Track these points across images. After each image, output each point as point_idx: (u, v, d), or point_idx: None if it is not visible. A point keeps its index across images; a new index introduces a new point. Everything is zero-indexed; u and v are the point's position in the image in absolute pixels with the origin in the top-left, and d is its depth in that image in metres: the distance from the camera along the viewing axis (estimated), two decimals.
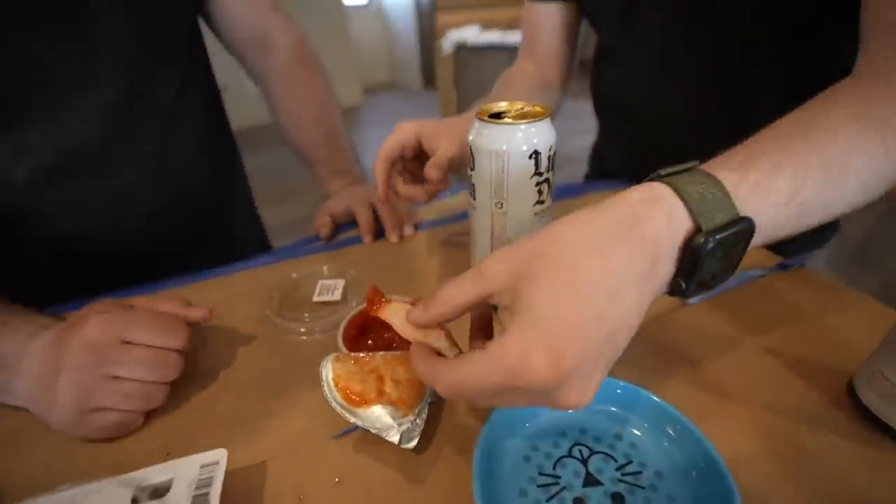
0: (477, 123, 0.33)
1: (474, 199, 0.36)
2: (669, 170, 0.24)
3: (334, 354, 0.29)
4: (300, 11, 4.05)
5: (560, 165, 0.35)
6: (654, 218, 0.21)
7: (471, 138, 0.34)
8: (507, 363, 0.19)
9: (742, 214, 0.22)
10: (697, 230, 0.22)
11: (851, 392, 0.30)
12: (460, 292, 0.23)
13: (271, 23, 0.60)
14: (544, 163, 0.32)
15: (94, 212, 0.48)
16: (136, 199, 0.50)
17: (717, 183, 0.22)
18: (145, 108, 0.49)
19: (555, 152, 0.33)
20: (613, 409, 0.29)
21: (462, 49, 2.80)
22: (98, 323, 0.30)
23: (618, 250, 0.21)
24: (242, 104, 1.73)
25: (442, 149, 0.43)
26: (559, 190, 0.59)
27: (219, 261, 0.52)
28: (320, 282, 0.47)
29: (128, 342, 0.31)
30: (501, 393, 0.21)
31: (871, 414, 0.28)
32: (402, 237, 0.54)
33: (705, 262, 0.22)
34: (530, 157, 0.31)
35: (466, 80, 2.87)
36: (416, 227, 0.56)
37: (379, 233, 0.55)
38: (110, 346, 0.30)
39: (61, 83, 0.43)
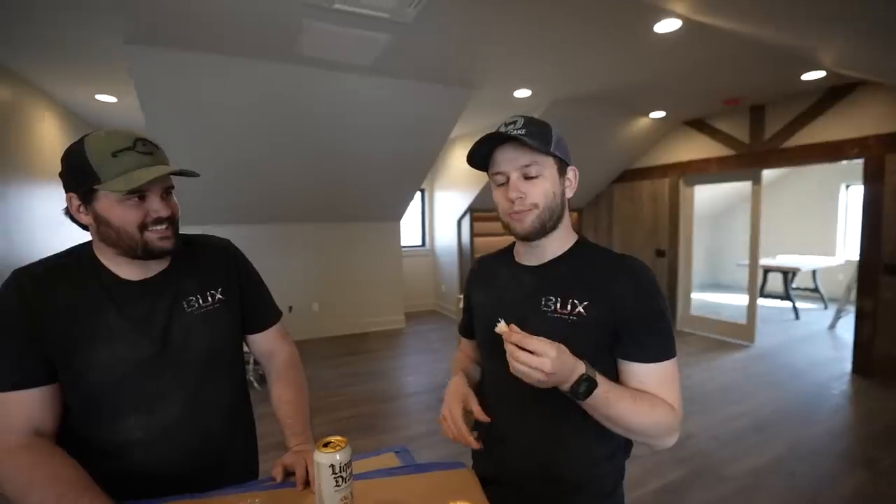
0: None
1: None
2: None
3: None
4: (366, 248, 5.19)
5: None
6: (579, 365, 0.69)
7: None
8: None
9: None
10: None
11: None
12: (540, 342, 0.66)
13: (278, 345, 1.08)
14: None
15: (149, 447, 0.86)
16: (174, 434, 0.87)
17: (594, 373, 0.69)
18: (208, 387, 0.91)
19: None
20: None
21: None
22: None
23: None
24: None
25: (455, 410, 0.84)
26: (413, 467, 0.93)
27: (214, 483, 0.85)
28: None
29: None
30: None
31: None
32: (306, 486, 0.83)
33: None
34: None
35: None
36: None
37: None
38: None
39: (151, 385, 0.86)
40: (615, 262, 0.84)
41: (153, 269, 0.87)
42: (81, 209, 0.80)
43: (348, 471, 0.70)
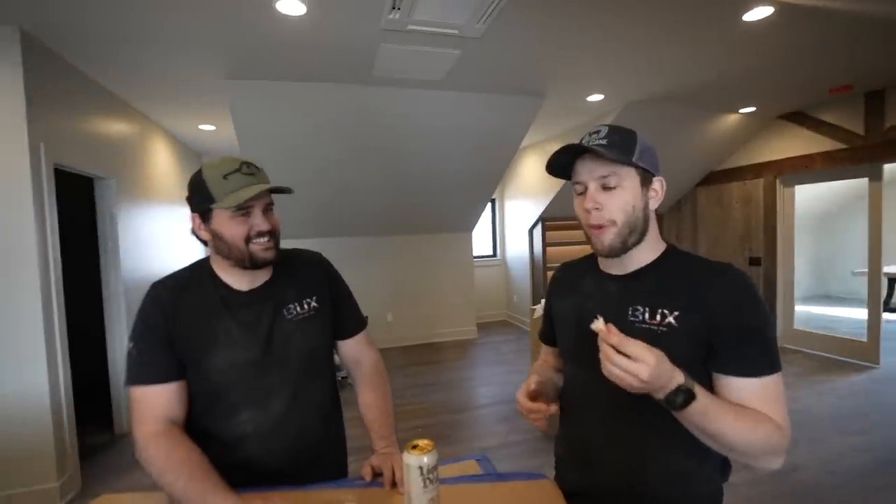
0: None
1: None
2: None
3: None
4: (439, 259, 5.30)
5: None
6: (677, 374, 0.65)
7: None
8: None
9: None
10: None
11: None
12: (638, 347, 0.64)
13: (364, 352, 1.13)
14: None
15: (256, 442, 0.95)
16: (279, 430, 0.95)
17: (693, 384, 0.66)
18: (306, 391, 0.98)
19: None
20: None
21: None
22: None
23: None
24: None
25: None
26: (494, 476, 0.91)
27: (309, 478, 0.91)
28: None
29: None
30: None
31: None
32: (393, 487, 0.86)
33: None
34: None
35: None
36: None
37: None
38: None
39: (260, 384, 0.94)
40: (709, 271, 0.78)
41: (259, 279, 0.97)
42: (202, 227, 0.91)
43: (435, 473, 0.71)
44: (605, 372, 0.66)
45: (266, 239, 0.90)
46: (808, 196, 4.94)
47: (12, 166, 2.11)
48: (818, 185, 4.43)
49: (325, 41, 2.38)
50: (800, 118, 4.20)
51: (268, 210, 0.92)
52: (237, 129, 3.28)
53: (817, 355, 4.22)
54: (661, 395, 0.66)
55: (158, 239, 3.73)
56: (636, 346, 0.64)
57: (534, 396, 0.84)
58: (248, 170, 0.89)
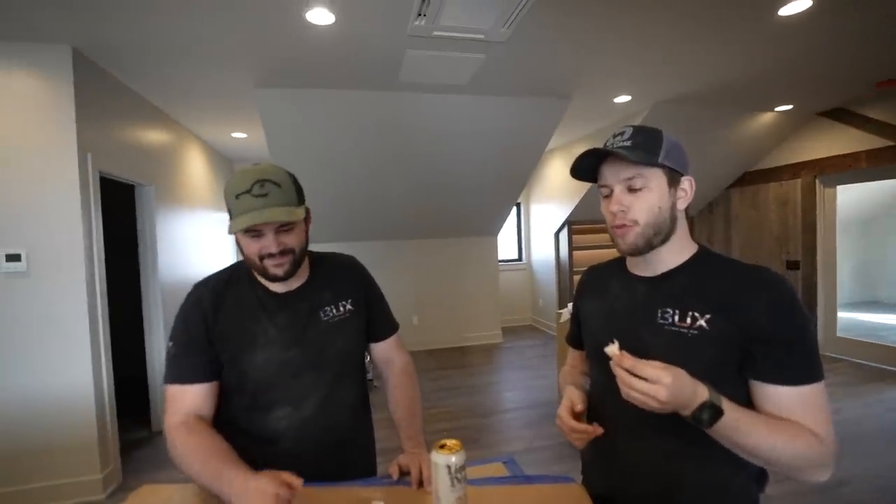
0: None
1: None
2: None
3: None
4: (464, 263, 5.30)
5: None
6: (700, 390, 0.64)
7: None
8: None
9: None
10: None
11: None
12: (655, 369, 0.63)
13: (395, 353, 1.14)
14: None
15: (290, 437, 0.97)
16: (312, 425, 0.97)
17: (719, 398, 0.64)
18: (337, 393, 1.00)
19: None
20: None
21: None
22: (264, 482, 0.71)
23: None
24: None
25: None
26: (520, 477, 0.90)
27: (339, 475, 0.92)
28: (375, 501, 0.84)
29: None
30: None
31: None
32: (420, 486, 0.87)
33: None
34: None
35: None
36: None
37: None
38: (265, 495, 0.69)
39: (295, 383, 0.98)
40: (744, 273, 0.76)
41: (295, 283, 0.99)
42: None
43: (463, 473, 0.72)
44: (624, 396, 0.66)
45: (277, 258, 0.89)
46: (850, 196, 4.71)
47: (63, 174, 2.24)
48: (863, 184, 4.21)
49: (352, 49, 2.43)
50: (842, 115, 4.01)
51: (281, 230, 0.89)
52: (267, 136, 3.38)
53: (863, 364, 4.00)
54: (686, 413, 0.65)
55: (193, 243, 3.87)
56: (651, 368, 0.63)
57: (577, 416, 0.83)
58: (260, 190, 0.85)
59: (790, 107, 3.94)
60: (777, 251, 4.61)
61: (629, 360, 0.65)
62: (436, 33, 2.23)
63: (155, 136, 3.25)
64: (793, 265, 4.45)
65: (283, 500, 0.70)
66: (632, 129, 0.79)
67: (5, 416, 2.21)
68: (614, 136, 0.80)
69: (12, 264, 2.18)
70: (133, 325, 3.19)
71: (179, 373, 0.91)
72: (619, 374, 0.65)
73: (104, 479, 2.33)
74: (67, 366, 2.27)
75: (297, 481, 0.73)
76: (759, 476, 0.80)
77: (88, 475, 2.30)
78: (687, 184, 0.80)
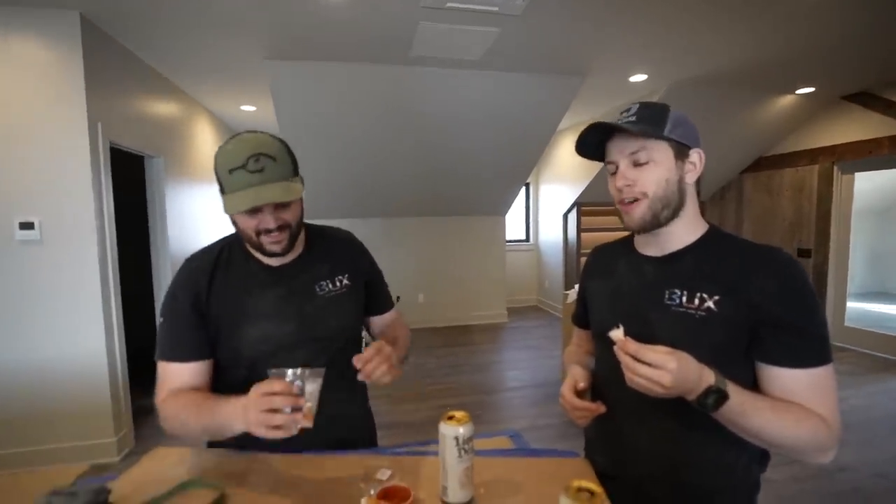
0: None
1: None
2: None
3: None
4: (471, 242, 5.29)
5: None
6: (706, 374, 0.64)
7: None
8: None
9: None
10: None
11: None
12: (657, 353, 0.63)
13: (393, 318, 1.17)
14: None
15: None
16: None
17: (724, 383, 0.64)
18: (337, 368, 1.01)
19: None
20: None
21: None
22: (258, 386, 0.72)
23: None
24: None
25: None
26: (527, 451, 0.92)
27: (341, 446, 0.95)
28: (381, 469, 0.86)
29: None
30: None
31: None
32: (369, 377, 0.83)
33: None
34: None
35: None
36: None
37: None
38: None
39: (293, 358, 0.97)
40: (754, 254, 0.75)
41: (289, 256, 0.95)
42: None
43: (470, 444, 0.73)
44: (628, 382, 0.65)
45: (275, 234, 0.87)
46: (867, 185, 4.60)
47: (74, 144, 2.24)
48: (880, 172, 4.12)
49: (364, 21, 2.38)
50: (866, 99, 3.89)
51: (279, 206, 0.86)
52: (277, 108, 3.35)
53: (870, 354, 3.99)
54: (692, 398, 0.65)
55: (202, 214, 3.89)
56: (655, 354, 0.63)
57: (580, 394, 0.84)
58: (255, 165, 0.80)
59: (812, 89, 3.82)
60: (789, 238, 4.55)
61: (633, 346, 0.64)
62: (449, 4, 2.17)
63: (164, 108, 3.23)
64: (804, 253, 4.39)
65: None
66: (638, 104, 0.78)
67: (21, 380, 2.27)
68: (621, 114, 0.79)
69: (26, 232, 2.21)
70: (143, 298, 3.23)
71: (172, 351, 0.90)
72: (624, 359, 0.65)
73: (118, 442, 2.41)
74: (81, 331, 2.32)
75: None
76: (761, 457, 0.80)
77: (103, 438, 2.37)
78: (696, 156, 0.78)
